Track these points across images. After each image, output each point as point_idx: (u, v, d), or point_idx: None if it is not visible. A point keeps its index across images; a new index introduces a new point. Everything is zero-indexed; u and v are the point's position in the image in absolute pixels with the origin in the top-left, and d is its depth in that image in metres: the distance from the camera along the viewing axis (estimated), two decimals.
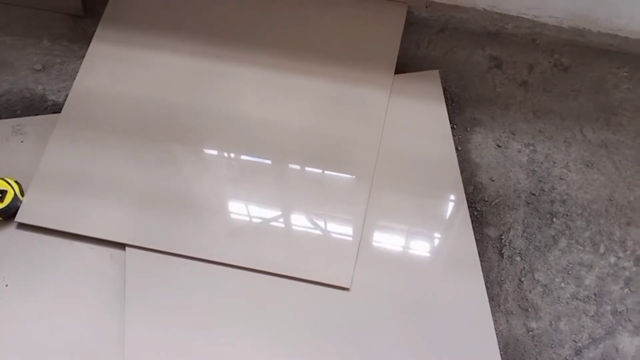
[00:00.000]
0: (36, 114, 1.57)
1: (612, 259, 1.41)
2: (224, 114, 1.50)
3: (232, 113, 1.50)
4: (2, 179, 1.39)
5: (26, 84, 1.62)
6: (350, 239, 1.36)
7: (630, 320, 1.35)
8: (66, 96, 1.56)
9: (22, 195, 1.40)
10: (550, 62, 1.61)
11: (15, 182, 1.41)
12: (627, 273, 1.39)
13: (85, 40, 1.64)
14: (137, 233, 1.37)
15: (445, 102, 1.54)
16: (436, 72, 1.55)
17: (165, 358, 1.26)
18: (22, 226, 1.39)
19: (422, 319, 1.29)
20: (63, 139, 1.47)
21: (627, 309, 1.36)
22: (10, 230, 1.39)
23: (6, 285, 1.34)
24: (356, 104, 1.50)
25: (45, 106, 1.59)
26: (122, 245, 1.37)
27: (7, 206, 1.37)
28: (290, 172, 1.43)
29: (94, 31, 1.61)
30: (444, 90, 1.56)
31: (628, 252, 1.41)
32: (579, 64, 1.60)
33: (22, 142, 1.49)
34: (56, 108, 1.58)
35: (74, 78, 1.57)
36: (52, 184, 1.42)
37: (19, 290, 1.33)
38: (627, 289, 1.38)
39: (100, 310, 1.31)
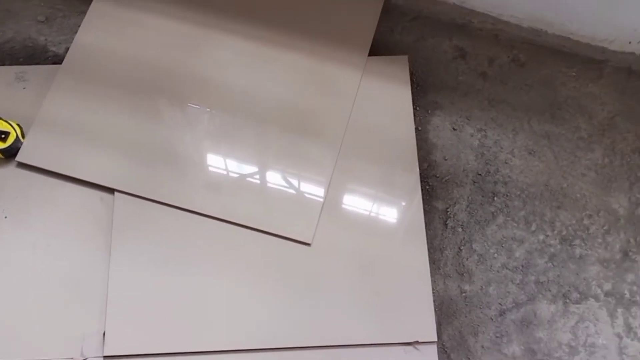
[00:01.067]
0: (37, 63, 1.70)
1: (541, 237, 1.60)
2: (209, 78, 1.64)
3: (216, 77, 1.65)
4: (6, 121, 1.53)
5: (29, 34, 1.75)
6: (316, 199, 1.54)
7: (550, 290, 1.55)
8: (66, 48, 1.69)
9: (23, 137, 1.55)
10: (508, 57, 1.77)
11: (17, 124, 1.55)
12: (552, 250, 1.59)
13: None
14: (125, 180, 1.52)
15: (411, 85, 1.70)
16: (405, 58, 1.71)
17: (143, 291, 1.44)
18: (22, 165, 1.53)
19: (370, 275, 1.48)
20: (62, 88, 1.61)
21: (548, 280, 1.56)
22: (11, 169, 1.54)
23: (5, 217, 1.49)
24: (331, 79, 1.66)
25: (46, 56, 1.72)
26: (111, 190, 1.52)
27: (9, 146, 1.51)
28: (266, 135, 1.59)
29: None
30: (411, 74, 1.72)
31: (555, 232, 1.61)
32: (534, 60, 1.77)
33: (24, 88, 1.62)
34: (56, 59, 1.71)
35: (75, 32, 1.70)
36: (51, 129, 1.56)
37: (16, 222, 1.49)
38: (550, 264, 1.58)
39: (88, 246, 1.48)
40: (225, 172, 1.56)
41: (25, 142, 1.54)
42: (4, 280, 1.44)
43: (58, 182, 1.53)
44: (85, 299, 1.43)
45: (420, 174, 1.61)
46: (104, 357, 1.39)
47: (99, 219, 1.50)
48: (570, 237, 1.60)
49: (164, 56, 1.67)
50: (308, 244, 1.50)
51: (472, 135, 1.70)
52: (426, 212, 1.58)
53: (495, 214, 1.62)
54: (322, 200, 1.53)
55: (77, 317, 1.42)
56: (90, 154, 1.54)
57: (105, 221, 1.50)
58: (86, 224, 1.50)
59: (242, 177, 1.55)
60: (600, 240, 1.60)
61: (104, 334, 1.40)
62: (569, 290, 1.55)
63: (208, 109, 1.61)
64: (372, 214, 1.55)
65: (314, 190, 1.54)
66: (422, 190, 1.60)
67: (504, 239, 1.60)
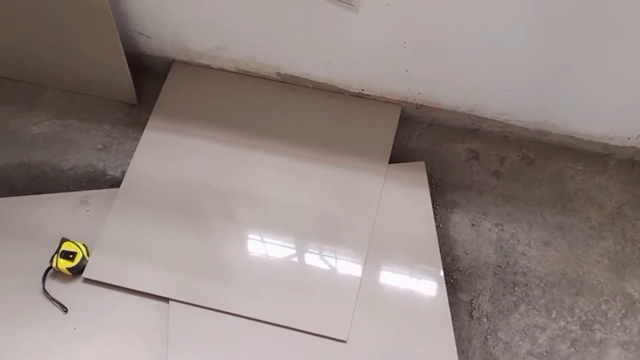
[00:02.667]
0: (98, 187, 1.93)
1: (562, 323, 1.71)
2: (248, 194, 1.84)
3: (255, 193, 1.84)
4: (73, 242, 1.74)
5: (90, 161, 1.99)
6: (348, 299, 1.68)
7: None
8: (122, 172, 1.92)
9: (88, 255, 1.75)
10: (518, 156, 1.94)
11: (83, 244, 1.75)
12: (573, 335, 1.69)
13: (138, 125, 2.01)
14: (178, 289, 1.70)
15: (430, 186, 1.87)
16: (423, 163, 1.88)
17: None
18: (88, 281, 1.73)
19: None
20: (121, 210, 1.82)
21: None
22: (79, 284, 1.72)
23: (74, 329, 1.67)
24: (355, 188, 1.84)
25: (105, 179, 1.95)
26: (166, 299, 1.70)
27: (77, 265, 1.71)
28: (301, 242, 1.76)
29: (147, 118, 1.97)
30: (429, 176, 1.90)
31: (575, 318, 1.71)
32: (542, 157, 1.93)
33: (87, 211, 1.84)
34: (114, 182, 1.94)
35: (129, 157, 1.93)
36: (112, 247, 1.76)
37: (84, 333, 1.66)
38: (572, 349, 1.68)
39: (147, 352, 1.64)
40: (264, 276, 1.72)
41: (90, 260, 1.74)
42: None
43: (120, 295, 1.71)
44: None
45: (444, 268, 1.76)
46: None
47: (156, 326, 1.67)
48: (590, 322, 1.70)
49: (209, 176, 1.88)
50: (344, 341, 1.64)
51: (490, 230, 1.84)
52: (452, 305, 1.71)
53: (517, 303, 1.74)
54: (354, 298, 1.68)
55: None
56: (146, 268, 1.73)
57: (162, 328, 1.67)
58: (145, 331, 1.66)
59: (280, 281, 1.71)
60: (618, 324, 1.70)
61: None
62: None
63: (249, 223, 1.80)
64: (401, 309, 1.68)
65: (347, 291, 1.69)
66: (447, 283, 1.73)
67: (527, 327, 1.71)
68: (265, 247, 1.77)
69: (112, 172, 1.97)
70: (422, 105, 1.93)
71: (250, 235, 1.79)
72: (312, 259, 1.75)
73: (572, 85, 1.65)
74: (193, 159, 1.90)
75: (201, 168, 1.89)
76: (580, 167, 1.91)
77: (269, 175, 1.88)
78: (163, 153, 1.92)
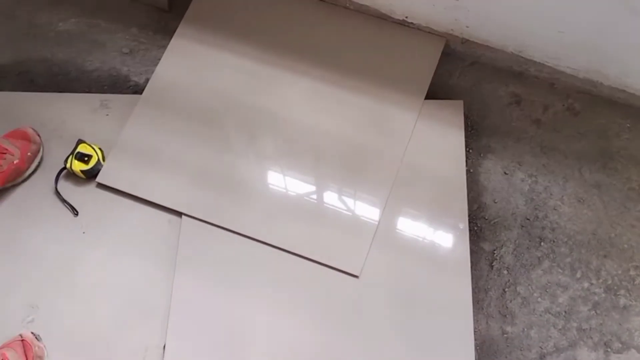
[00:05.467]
0: (120, 92, 1.86)
1: (586, 284, 1.64)
2: (276, 113, 1.76)
3: (283, 113, 1.76)
4: (89, 145, 1.69)
5: (114, 64, 1.91)
6: (366, 233, 1.62)
7: (591, 338, 1.58)
8: (146, 79, 1.85)
9: (104, 160, 1.70)
10: (563, 106, 1.82)
11: (99, 148, 1.70)
12: (596, 298, 1.62)
13: (166, 32, 1.92)
14: (192, 204, 1.65)
15: (465, 128, 1.77)
16: (461, 103, 1.78)
17: (201, 310, 1.56)
18: (101, 186, 1.69)
19: (413, 309, 1.55)
20: (141, 117, 1.76)
21: (590, 327, 1.59)
22: (91, 188, 1.69)
23: (83, 233, 1.64)
24: (387, 120, 1.75)
25: (128, 85, 1.88)
26: (179, 213, 1.66)
27: (91, 168, 1.66)
28: (323, 170, 1.69)
29: (176, 26, 1.88)
30: (466, 117, 1.80)
31: (600, 281, 1.64)
32: (589, 110, 1.81)
33: (107, 115, 1.78)
34: (137, 88, 1.87)
35: (155, 64, 1.85)
36: (128, 154, 1.71)
37: (92, 238, 1.64)
38: (593, 311, 1.61)
39: (155, 265, 1.61)
40: (282, 202, 1.66)
41: (105, 165, 1.69)
42: (75, 292, 1.59)
43: (132, 204, 1.67)
44: (148, 313, 1.56)
45: (470, 214, 1.68)
46: None
47: (166, 239, 1.63)
48: (615, 287, 1.63)
49: (235, 91, 1.79)
50: (356, 276, 1.58)
51: (522, 180, 1.75)
52: (473, 253, 1.64)
53: (541, 259, 1.66)
54: (372, 234, 1.62)
55: (140, 330, 1.55)
56: (162, 179, 1.68)
57: (172, 242, 1.63)
58: (154, 245, 1.63)
59: (298, 207, 1.65)
60: None
61: (164, 347, 1.52)
62: (610, 339, 1.58)
63: (272, 143, 1.73)
64: (420, 251, 1.62)
65: (365, 225, 1.63)
66: (470, 230, 1.66)
67: (549, 284, 1.64)
68: (286, 173, 1.70)
69: (135, 78, 1.89)
70: (468, 40, 1.80)
71: (272, 158, 1.72)
72: (334, 190, 1.68)
73: (638, 32, 1.51)
74: (220, 72, 1.81)
75: (227, 82, 1.80)
76: (628, 125, 1.79)
77: (298, 98, 1.79)
78: (190, 63, 1.83)
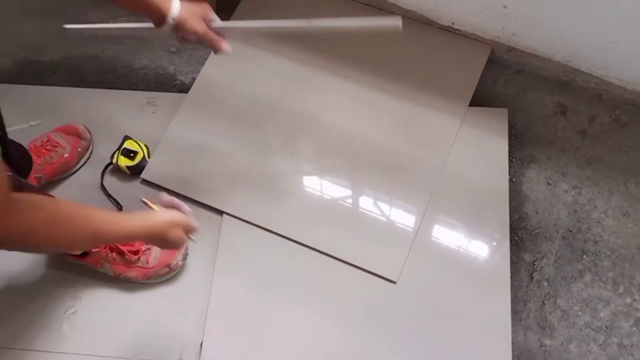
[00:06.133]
0: (166, 90, 1.89)
1: (628, 300, 1.61)
2: (316, 116, 1.77)
3: (321, 117, 1.77)
4: (135, 141, 1.72)
5: (161, 63, 1.95)
6: (405, 239, 1.62)
7: (632, 355, 1.55)
8: (192, 78, 1.88)
9: (149, 157, 1.73)
10: (610, 117, 1.79)
11: (145, 145, 1.73)
12: (638, 314, 1.59)
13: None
14: (232, 204, 1.67)
15: (509, 136, 1.75)
16: (505, 111, 1.76)
17: (238, 308, 1.57)
18: (145, 182, 1.72)
19: (451, 318, 1.54)
20: (186, 116, 1.78)
21: (632, 344, 1.56)
22: (136, 184, 1.71)
23: None
24: (430, 126, 1.74)
25: (174, 84, 1.91)
26: (219, 212, 1.68)
27: (137, 164, 1.69)
28: (362, 176, 1.69)
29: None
30: (510, 126, 1.78)
31: None
32: (636, 122, 1.77)
33: (153, 112, 1.82)
34: (182, 87, 1.89)
35: (201, 64, 1.88)
36: (173, 151, 1.74)
37: None
38: (635, 328, 1.58)
39: (195, 261, 1.63)
40: (321, 206, 1.67)
41: (150, 162, 1.72)
42: (113, 285, 1.61)
43: None
44: (187, 310, 1.58)
45: (511, 225, 1.66)
46: None
47: (207, 236, 1.65)
48: None
49: (278, 93, 1.81)
50: (394, 282, 1.58)
51: (566, 192, 1.72)
52: (513, 263, 1.62)
53: (583, 272, 1.64)
54: (411, 241, 1.61)
55: (178, 326, 1.57)
56: (204, 177, 1.70)
57: (212, 239, 1.65)
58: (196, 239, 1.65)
59: (338, 212, 1.66)
60: None
61: (201, 344, 1.54)
62: None
63: (311, 146, 1.73)
64: (459, 259, 1.61)
65: (404, 231, 1.62)
66: (510, 241, 1.64)
67: (590, 298, 1.61)
68: (325, 177, 1.70)
69: (181, 78, 1.92)
70: (514, 48, 1.79)
71: (312, 162, 1.72)
72: (373, 195, 1.68)
73: None
74: (265, 73, 1.83)
75: (271, 84, 1.82)
76: None
77: (339, 102, 1.79)
78: (235, 64, 1.85)
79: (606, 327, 1.58)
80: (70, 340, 1.56)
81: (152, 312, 1.59)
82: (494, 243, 1.62)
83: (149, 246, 1.58)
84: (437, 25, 1.84)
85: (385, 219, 1.64)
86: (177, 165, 1.72)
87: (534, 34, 1.70)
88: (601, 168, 1.74)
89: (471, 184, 1.68)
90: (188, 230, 1.30)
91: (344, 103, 1.79)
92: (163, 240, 1.24)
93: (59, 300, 1.60)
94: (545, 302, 1.62)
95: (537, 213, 1.71)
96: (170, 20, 1.25)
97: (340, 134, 1.75)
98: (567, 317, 1.60)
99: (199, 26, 1.30)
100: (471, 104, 1.77)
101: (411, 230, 1.62)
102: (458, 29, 1.82)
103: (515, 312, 1.60)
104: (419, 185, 1.68)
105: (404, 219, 1.64)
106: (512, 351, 1.53)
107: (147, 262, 1.56)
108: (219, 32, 1.35)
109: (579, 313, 1.60)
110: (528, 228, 1.69)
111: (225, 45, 1.36)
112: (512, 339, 1.54)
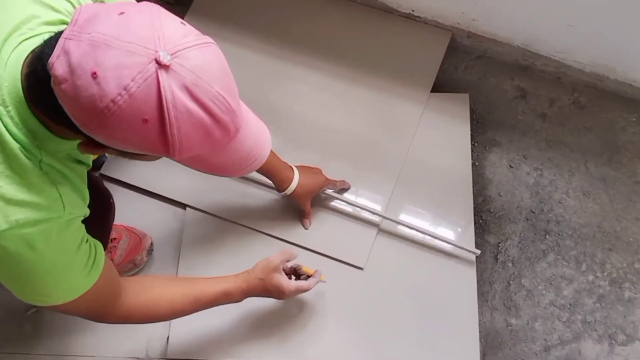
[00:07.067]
0: None
1: (591, 277, 1.64)
2: (283, 106, 1.76)
3: (289, 106, 1.76)
4: None
5: None
6: (371, 226, 1.62)
7: (596, 330, 1.58)
8: None
9: None
10: (569, 100, 1.82)
11: None
12: (601, 291, 1.62)
13: None
14: (195, 197, 1.66)
15: (471, 122, 1.77)
16: (467, 96, 1.78)
17: None
18: (105, 177, 1.68)
19: (419, 302, 1.55)
20: None
21: (595, 320, 1.59)
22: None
23: None
24: (393, 113, 1.75)
25: None
26: (183, 205, 1.66)
27: (95, 159, 1.65)
28: (328, 163, 1.69)
29: (182, 17, 1.88)
30: (472, 111, 1.79)
31: (605, 274, 1.64)
32: (595, 104, 1.81)
33: None
34: None
35: None
36: None
37: None
38: (598, 304, 1.61)
39: (160, 256, 1.62)
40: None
41: (109, 157, 1.69)
42: None
43: (136, 195, 1.68)
44: None
45: (475, 208, 1.68)
46: (166, 359, 1.51)
47: (171, 231, 1.64)
48: (620, 280, 1.62)
49: (240, 85, 1.78)
50: (361, 269, 1.58)
51: (528, 174, 1.75)
52: (478, 246, 1.64)
53: (546, 251, 1.66)
54: (377, 228, 1.62)
55: None
56: (166, 172, 1.68)
57: (176, 234, 1.63)
58: (159, 235, 1.63)
59: None
60: None
61: (167, 338, 1.52)
62: (615, 332, 1.58)
63: (276, 135, 1.72)
64: (425, 244, 1.62)
65: (370, 218, 1.63)
66: (475, 223, 1.66)
67: (553, 277, 1.64)
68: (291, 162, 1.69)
69: None
70: (474, 34, 1.80)
71: (277, 153, 1.71)
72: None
73: None
74: (230, 65, 1.80)
75: (237, 76, 1.76)
76: (634, 119, 1.78)
77: (304, 91, 1.78)
78: None
79: (570, 304, 1.61)
80: (34, 340, 1.53)
81: None
82: (459, 226, 1.64)
83: (114, 244, 1.55)
84: (397, 12, 1.85)
85: (351, 208, 1.64)
86: (134, 162, 1.69)
87: (493, 19, 1.72)
88: (561, 150, 1.76)
89: (435, 169, 1.69)
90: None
91: (308, 93, 1.78)
92: (263, 289, 1.33)
93: (19, 300, 1.56)
94: (511, 282, 1.64)
95: (500, 196, 1.73)
96: (285, 193, 1.50)
97: (305, 123, 1.74)
98: (532, 296, 1.62)
99: (305, 205, 1.58)
100: (433, 90, 1.78)
101: (377, 217, 1.62)
102: (418, 16, 1.83)
103: (482, 294, 1.62)
104: (384, 172, 1.68)
105: (370, 206, 1.63)
106: (480, 332, 1.55)
107: (112, 260, 1.54)
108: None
109: (543, 292, 1.62)
110: (492, 211, 1.71)
111: (308, 224, 1.63)
112: (479, 320, 1.56)
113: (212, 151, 0.89)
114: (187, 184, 1.67)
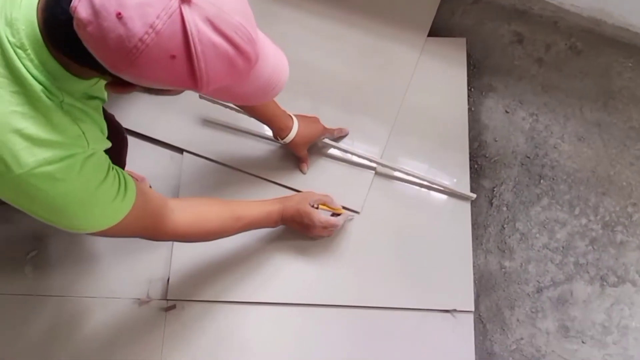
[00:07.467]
0: None
1: (584, 221, 1.66)
2: None
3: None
4: None
5: None
6: (367, 171, 1.64)
7: (588, 272, 1.61)
8: None
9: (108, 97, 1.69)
10: (566, 45, 1.81)
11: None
12: (593, 234, 1.64)
13: None
14: (193, 142, 1.66)
15: (468, 67, 1.76)
16: (463, 41, 1.77)
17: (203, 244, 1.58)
18: None
19: (415, 245, 1.57)
20: None
21: (587, 262, 1.62)
22: None
23: None
24: (389, 57, 1.73)
25: None
26: (180, 150, 1.67)
27: None
28: (323, 108, 1.68)
29: None
30: (468, 56, 1.78)
31: (598, 217, 1.66)
32: (591, 49, 1.80)
33: None
34: None
35: None
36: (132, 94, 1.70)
37: None
38: (590, 247, 1.63)
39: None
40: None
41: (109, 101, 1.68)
42: None
43: (135, 140, 1.67)
44: (153, 247, 1.57)
45: (470, 153, 1.69)
46: (167, 299, 1.54)
47: (169, 175, 1.65)
48: (613, 223, 1.65)
49: None
50: (357, 212, 1.60)
51: (523, 119, 1.75)
52: (473, 190, 1.65)
53: (540, 196, 1.68)
54: (373, 172, 1.63)
55: (145, 263, 1.58)
56: (164, 117, 1.68)
57: (174, 178, 1.64)
58: (157, 177, 1.64)
59: None
60: None
61: (167, 279, 1.54)
62: (607, 274, 1.61)
63: None
64: (420, 188, 1.63)
65: (367, 163, 1.64)
66: (470, 168, 1.67)
67: (547, 221, 1.66)
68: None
69: None
70: None
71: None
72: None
73: None
74: None
75: None
76: (630, 64, 1.78)
77: (299, 34, 1.77)
78: None
79: (563, 247, 1.64)
80: (35, 282, 1.55)
81: (117, 250, 1.58)
82: (455, 171, 1.65)
83: None
84: None
85: (348, 153, 1.65)
86: (137, 106, 1.69)
87: None
88: (557, 95, 1.76)
89: (431, 114, 1.70)
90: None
91: (300, 35, 1.76)
92: (297, 215, 1.43)
93: (20, 243, 1.58)
94: (505, 226, 1.66)
95: (496, 141, 1.74)
96: (284, 141, 1.53)
97: (298, 67, 1.72)
98: (526, 239, 1.65)
99: (302, 153, 1.60)
100: (429, 35, 1.77)
101: (374, 161, 1.63)
102: None
103: (476, 237, 1.64)
104: (380, 117, 1.68)
105: (366, 151, 1.64)
106: (474, 274, 1.58)
107: None
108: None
109: (537, 235, 1.65)
110: (487, 156, 1.72)
111: (305, 169, 1.65)
112: (473, 262, 1.59)
113: (235, 81, 0.89)
114: (185, 129, 1.67)
